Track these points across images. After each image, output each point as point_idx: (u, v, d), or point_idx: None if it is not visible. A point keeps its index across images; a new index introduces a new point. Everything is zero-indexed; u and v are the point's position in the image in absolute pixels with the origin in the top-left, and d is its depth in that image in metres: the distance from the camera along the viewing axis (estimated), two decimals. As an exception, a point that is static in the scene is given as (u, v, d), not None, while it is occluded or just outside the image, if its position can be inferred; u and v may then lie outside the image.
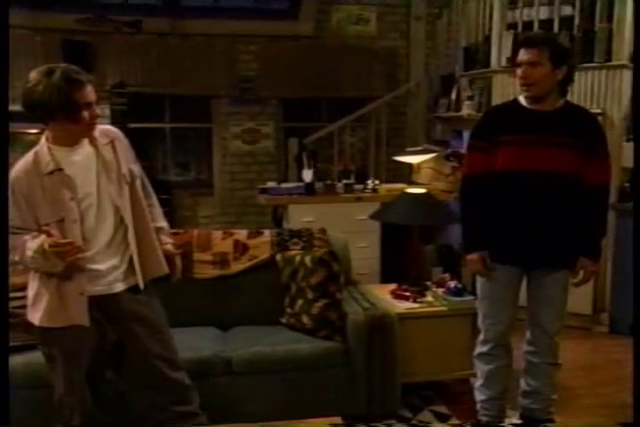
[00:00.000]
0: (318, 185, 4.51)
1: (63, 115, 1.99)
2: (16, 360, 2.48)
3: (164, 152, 6.38)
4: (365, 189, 4.58)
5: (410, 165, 4.93)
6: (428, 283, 3.39)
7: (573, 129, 2.37)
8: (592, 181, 2.39)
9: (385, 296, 3.20)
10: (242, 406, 2.64)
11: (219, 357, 2.67)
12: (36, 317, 2.14)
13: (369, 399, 2.80)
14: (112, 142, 2.19)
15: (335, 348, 2.77)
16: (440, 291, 3.22)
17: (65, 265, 2.02)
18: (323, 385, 2.74)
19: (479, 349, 2.63)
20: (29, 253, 2.02)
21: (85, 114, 2.02)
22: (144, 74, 5.84)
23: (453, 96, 5.21)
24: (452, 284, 3.16)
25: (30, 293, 2.17)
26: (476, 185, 2.46)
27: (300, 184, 4.50)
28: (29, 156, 2.09)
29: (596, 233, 2.48)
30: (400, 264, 4.20)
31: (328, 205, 4.35)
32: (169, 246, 2.37)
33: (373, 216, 3.47)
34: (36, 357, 2.44)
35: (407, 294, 3.17)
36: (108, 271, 2.15)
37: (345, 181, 4.55)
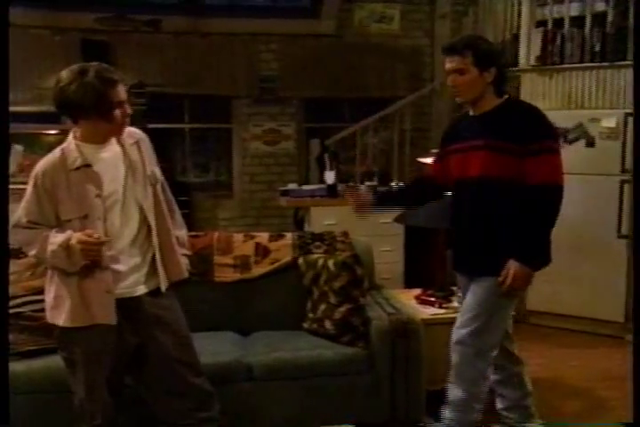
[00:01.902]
0: (340, 187, 4.51)
1: (96, 113, 2.03)
2: (36, 364, 2.53)
3: (183, 153, 6.42)
4: (389, 191, 4.54)
5: (435, 166, 4.89)
6: (454, 288, 3.36)
7: (505, 129, 2.32)
8: (532, 181, 2.29)
9: (409, 301, 3.18)
10: (262, 413, 2.65)
11: (239, 362, 2.67)
12: (58, 318, 2.16)
13: (392, 407, 2.79)
14: (137, 143, 2.23)
15: (358, 354, 2.76)
16: (466, 296, 3.19)
17: (83, 264, 2.05)
18: (345, 392, 2.73)
19: None
20: (52, 246, 2.04)
21: (118, 112, 2.06)
22: (163, 74, 5.89)
23: (480, 95, 5.17)
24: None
25: (50, 295, 2.19)
26: (437, 192, 2.71)
27: (322, 186, 4.51)
28: (56, 152, 2.13)
29: (530, 234, 2.32)
30: (424, 268, 4.19)
31: (350, 207, 4.33)
32: (183, 258, 2.36)
33: (397, 219, 3.45)
34: (57, 361, 2.47)
35: (432, 299, 3.15)
36: (130, 272, 2.16)
37: (368, 183, 4.55)
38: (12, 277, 2.70)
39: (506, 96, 2.42)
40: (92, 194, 2.08)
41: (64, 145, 2.14)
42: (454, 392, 2.51)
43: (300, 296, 3.02)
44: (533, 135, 2.30)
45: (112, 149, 2.16)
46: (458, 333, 2.49)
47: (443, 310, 3.09)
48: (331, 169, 4.53)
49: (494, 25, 5.20)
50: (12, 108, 6.17)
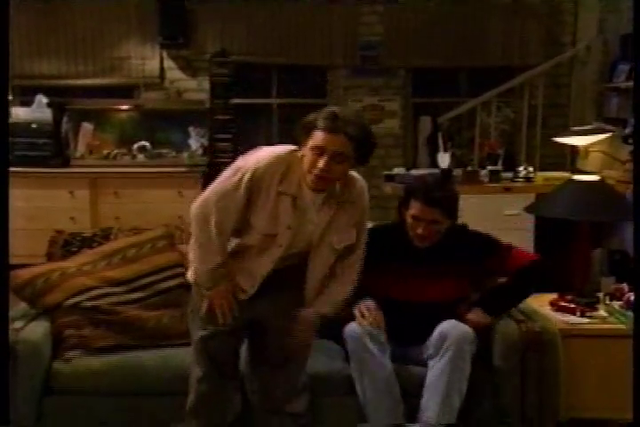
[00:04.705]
0: (457, 172, 4.46)
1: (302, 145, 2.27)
2: (112, 362, 2.65)
3: (269, 133, 6.53)
4: (516, 177, 4.47)
5: (574, 148, 4.77)
6: (599, 295, 3.24)
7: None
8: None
9: (543, 308, 3.10)
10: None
11: (340, 374, 2.68)
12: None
13: (522, 438, 2.72)
14: (353, 202, 2.40)
15: (476, 372, 2.64)
16: (616, 305, 3.08)
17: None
18: (462, 419, 2.65)
19: None
20: (208, 266, 2.35)
21: (310, 159, 2.23)
22: (249, 41, 6.02)
23: (638, 60, 4.98)
24: (633, 296, 3.00)
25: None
26: None
27: (435, 170, 4.46)
28: (282, 158, 2.30)
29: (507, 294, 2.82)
30: (558, 271, 4.05)
31: (469, 196, 4.25)
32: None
33: (530, 209, 3.38)
34: (134, 358, 2.62)
35: (572, 306, 3.05)
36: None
37: (490, 168, 4.47)
38: (85, 268, 2.87)
39: None
40: (285, 224, 2.32)
41: (291, 157, 2.31)
42: None
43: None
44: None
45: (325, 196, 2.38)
46: None
47: (586, 320, 2.99)
48: (445, 151, 4.47)
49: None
50: (80, 82, 6.52)
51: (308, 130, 2.23)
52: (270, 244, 2.34)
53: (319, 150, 2.20)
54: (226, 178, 2.31)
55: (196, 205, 2.34)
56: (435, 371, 2.58)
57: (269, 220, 2.31)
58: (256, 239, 2.35)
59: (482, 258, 2.79)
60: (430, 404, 2.55)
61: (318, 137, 2.20)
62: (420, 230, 2.66)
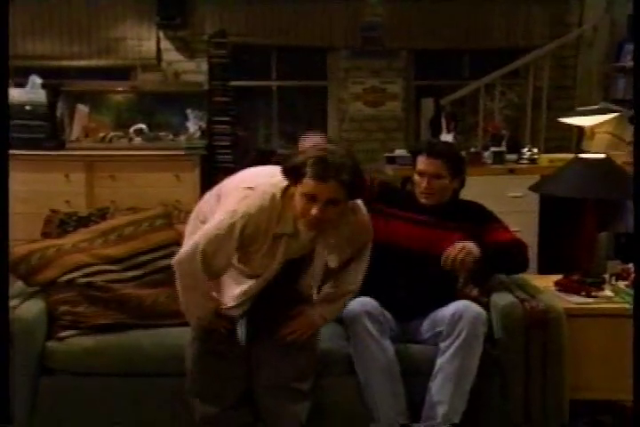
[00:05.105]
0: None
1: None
2: (108, 341, 2.66)
3: (268, 116, 6.51)
4: (520, 159, 4.46)
5: (579, 130, 4.75)
6: (606, 275, 3.25)
7: None
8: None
9: (548, 288, 3.10)
10: (360, 409, 2.65)
11: (339, 353, 2.69)
12: None
13: (526, 418, 2.72)
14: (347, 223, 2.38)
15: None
16: (622, 284, 3.08)
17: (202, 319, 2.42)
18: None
19: None
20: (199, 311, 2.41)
21: (302, 204, 2.20)
22: (248, 21, 6.01)
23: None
24: (640, 276, 3.00)
25: None
26: None
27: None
28: (277, 202, 2.26)
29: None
30: (563, 254, 4.06)
31: (472, 178, 4.13)
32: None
33: (534, 188, 3.38)
34: (132, 338, 2.63)
35: (578, 286, 3.05)
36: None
37: (494, 149, 4.46)
38: (81, 245, 2.88)
39: None
40: (277, 262, 2.33)
41: (275, 197, 2.29)
42: None
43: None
44: None
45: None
46: None
47: (592, 299, 3.00)
48: (448, 132, 4.47)
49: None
50: (76, 63, 6.50)
51: (298, 175, 2.18)
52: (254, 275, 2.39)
53: (311, 198, 2.17)
54: (218, 222, 2.27)
55: (184, 251, 2.32)
56: (448, 354, 2.58)
57: (262, 261, 2.32)
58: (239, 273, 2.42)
59: (477, 222, 2.88)
60: (442, 387, 2.56)
61: (309, 185, 2.15)
62: (424, 184, 2.79)
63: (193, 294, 2.36)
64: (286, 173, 2.21)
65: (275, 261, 2.33)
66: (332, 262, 2.44)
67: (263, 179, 2.33)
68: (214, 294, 2.44)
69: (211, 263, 2.26)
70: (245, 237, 2.25)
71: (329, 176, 2.12)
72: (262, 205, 2.24)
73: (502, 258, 2.79)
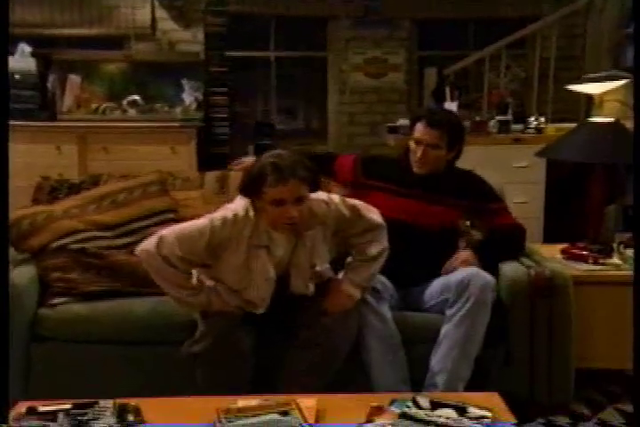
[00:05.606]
0: (464, 123, 4.41)
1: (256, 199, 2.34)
2: (101, 308, 2.65)
3: (266, 87, 6.47)
4: (527, 128, 4.44)
5: (588, 99, 4.71)
6: (614, 244, 3.23)
7: None
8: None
9: (554, 256, 3.09)
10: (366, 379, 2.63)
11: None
12: None
13: (531, 387, 2.72)
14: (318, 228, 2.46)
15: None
16: (630, 252, 3.07)
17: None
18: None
19: None
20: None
21: (272, 211, 2.30)
22: (245, -11, 5.95)
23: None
24: (648, 243, 2.99)
25: None
26: None
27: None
28: (240, 211, 2.36)
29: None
30: (570, 226, 4.05)
31: (477, 147, 4.24)
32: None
33: (541, 153, 3.35)
34: (125, 305, 2.63)
35: (585, 253, 3.04)
36: None
37: (499, 118, 4.43)
38: (73, 212, 2.86)
39: None
40: (263, 277, 2.42)
41: (240, 211, 2.39)
42: None
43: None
44: None
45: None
46: None
47: (599, 267, 2.99)
48: (452, 100, 4.44)
49: None
50: (66, 32, 6.44)
51: (258, 188, 2.28)
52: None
53: (279, 202, 2.27)
54: (194, 221, 2.39)
55: (151, 242, 2.35)
56: (454, 321, 2.57)
57: (240, 273, 2.39)
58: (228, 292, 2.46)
59: (476, 200, 2.88)
60: (446, 355, 2.55)
61: (273, 192, 2.26)
62: (419, 153, 2.78)
63: (166, 284, 2.40)
64: (246, 191, 2.35)
65: (257, 278, 2.39)
66: (319, 266, 2.53)
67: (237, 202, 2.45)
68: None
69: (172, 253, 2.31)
70: (219, 240, 2.33)
71: (288, 177, 2.25)
72: (237, 214, 2.36)
73: (501, 252, 2.85)
